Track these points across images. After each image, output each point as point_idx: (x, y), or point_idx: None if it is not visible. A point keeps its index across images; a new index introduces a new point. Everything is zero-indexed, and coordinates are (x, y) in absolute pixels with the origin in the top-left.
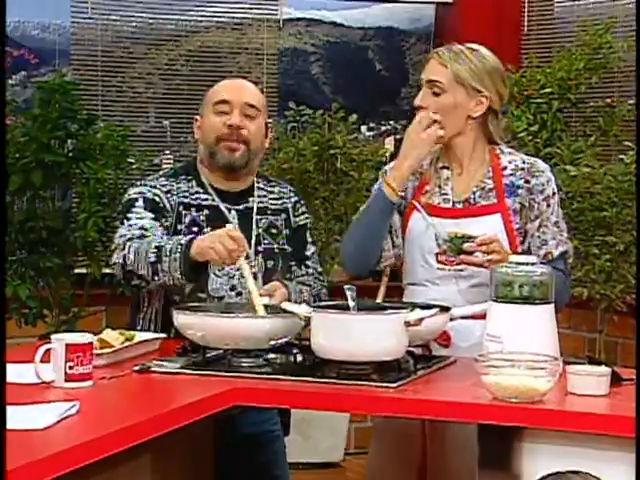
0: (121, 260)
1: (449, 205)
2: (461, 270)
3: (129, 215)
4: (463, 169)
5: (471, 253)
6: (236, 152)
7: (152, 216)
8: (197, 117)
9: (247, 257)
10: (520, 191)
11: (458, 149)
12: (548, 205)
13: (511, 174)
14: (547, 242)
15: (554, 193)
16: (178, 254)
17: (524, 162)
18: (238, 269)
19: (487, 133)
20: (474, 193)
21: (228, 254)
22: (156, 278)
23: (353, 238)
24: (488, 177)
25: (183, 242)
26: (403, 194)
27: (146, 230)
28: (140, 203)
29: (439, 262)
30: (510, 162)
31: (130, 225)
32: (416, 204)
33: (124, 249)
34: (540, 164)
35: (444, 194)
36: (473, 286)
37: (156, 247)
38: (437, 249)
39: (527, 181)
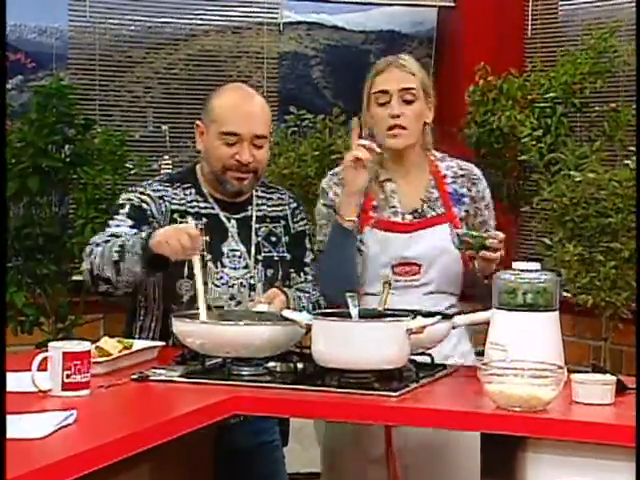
0: (88, 266)
1: (399, 218)
2: (415, 280)
3: (110, 222)
4: (409, 179)
5: (489, 249)
6: (245, 181)
7: (130, 224)
8: (199, 123)
9: (202, 256)
10: (465, 199)
11: (408, 159)
12: (489, 210)
13: (453, 182)
14: None
15: (490, 197)
16: (139, 246)
17: (461, 168)
18: (238, 278)
19: (423, 141)
20: (423, 204)
21: (182, 251)
22: (119, 278)
23: (335, 276)
24: (432, 186)
25: (144, 235)
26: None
27: (117, 237)
28: (125, 210)
29: (395, 274)
30: (448, 169)
31: (103, 231)
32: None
33: (91, 255)
34: (475, 169)
35: (392, 207)
36: (425, 294)
37: (120, 245)
38: (455, 246)
39: (469, 189)
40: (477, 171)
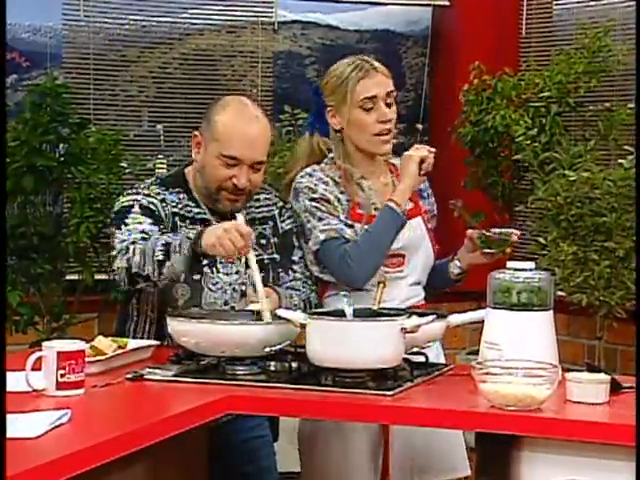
0: (125, 264)
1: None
2: (400, 272)
3: (127, 221)
4: (378, 177)
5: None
6: (237, 203)
7: (150, 221)
8: (196, 133)
9: (254, 249)
10: (424, 194)
11: (377, 158)
12: (436, 205)
13: None
14: None
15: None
16: (186, 246)
17: None
18: (231, 283)
19: None
20: None
21: (235, 251)
22: (162, 277)
23: (376, 259)
24: (396, 183)
25: (191, 235)
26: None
27: (147, 234)
28: (136, 209)
29: (384, 265)
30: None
31: (129, 230)
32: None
33: (128, 252)
34: None
35: (373, 204)
36: (410, 285)
37: (163, 245)
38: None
39: (425, 185)
40: None
